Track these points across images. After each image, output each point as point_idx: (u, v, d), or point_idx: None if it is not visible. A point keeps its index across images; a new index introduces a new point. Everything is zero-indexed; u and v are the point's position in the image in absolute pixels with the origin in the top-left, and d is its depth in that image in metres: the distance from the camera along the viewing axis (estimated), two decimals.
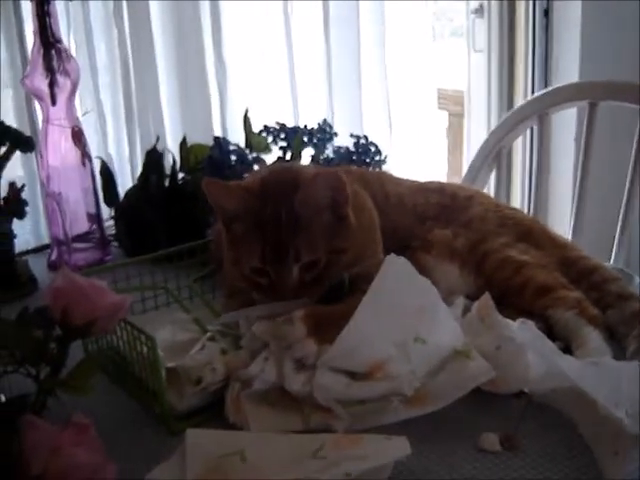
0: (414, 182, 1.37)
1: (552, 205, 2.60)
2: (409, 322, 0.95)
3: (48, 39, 1.44)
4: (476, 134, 2.85)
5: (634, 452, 0.82)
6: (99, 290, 0.92)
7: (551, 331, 1.10)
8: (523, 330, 0.99)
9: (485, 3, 2.80)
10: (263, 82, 2.12)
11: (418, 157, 2.53)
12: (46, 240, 1.64)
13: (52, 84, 1.46)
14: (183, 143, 1.61)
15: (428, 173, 2.58)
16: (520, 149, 2.75)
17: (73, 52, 1.78)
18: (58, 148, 1.51)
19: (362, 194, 1.18)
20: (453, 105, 3.70)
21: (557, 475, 0.85)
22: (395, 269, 0.96)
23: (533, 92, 2.67)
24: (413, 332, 0.95)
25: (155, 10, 1.96)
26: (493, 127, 1.97)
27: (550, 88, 2.00)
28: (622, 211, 1.73)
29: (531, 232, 1.27)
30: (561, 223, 2.08)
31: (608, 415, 0.83)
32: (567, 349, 1.06)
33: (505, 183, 2.73)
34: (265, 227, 1.02)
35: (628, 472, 0.82)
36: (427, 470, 0.86)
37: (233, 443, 0.85)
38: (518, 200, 2.77)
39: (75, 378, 0.90)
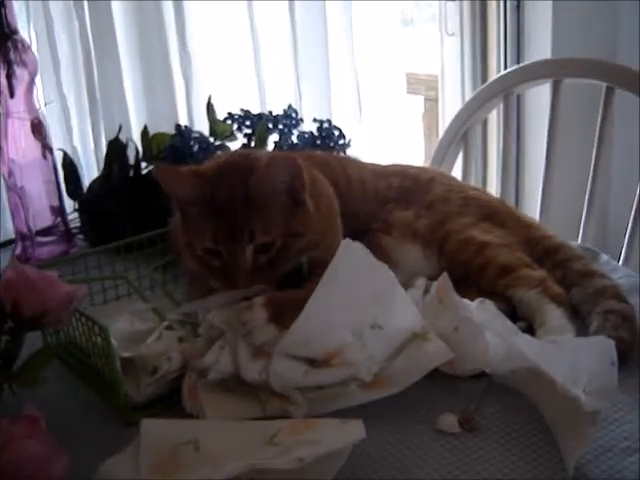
0: (377, 166, 1.36)
1: (527, 184, 2.62)
2: (365, 308, 0.95)
3: (4, 30, 1.42)
4: (450, 118, 2.84)
5: (592, 430, 0.81)
6: (50, 281, 0.92)
7: (514, 311, 1.10)
8: (481, 310, 0.99)
9: None
10: (228, 69, 2.10)
11: (390, 142, 2.51)
12: (11, 235, 1.62)
13: (9, 76, 1.43)
14: (144, 132, 1.59)
15: (401, 158, 2.57)
16: (495, 128, 2.74)
17: (34, 44, 1.76)
18: (18, 141, 1.48)
19: (322, 180, 1.17)
20: (427, 90, 3.69)
21: (516, 456, 0.84)
22: (350, 254, 0.95)
23: None
24: (370, 318, 0.94)
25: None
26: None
27: (515, 66, 1.99)
28: (588, 189, 1.72)
29: (495, 212, 1.26)
30: (535, 202, 2.08)
31: (566, 394, 0.83)
32: (530, 328, 1.06)
33: (481, 163, 2.75)
34: (219, 209, 1.00)
35: (586, 450, 0.81)
36: (385, 453, 0.86)
37: (187, 432, 0.84)
38: (494, 180, 2.77)
39: (27, 371, 0.90)
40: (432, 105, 3.67)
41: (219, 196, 1.01)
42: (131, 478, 0.80)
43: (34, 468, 0.76)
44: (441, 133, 3.00)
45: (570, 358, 0.86)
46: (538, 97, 2.45)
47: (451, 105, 2.89)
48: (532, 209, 1.89)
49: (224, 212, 1.00)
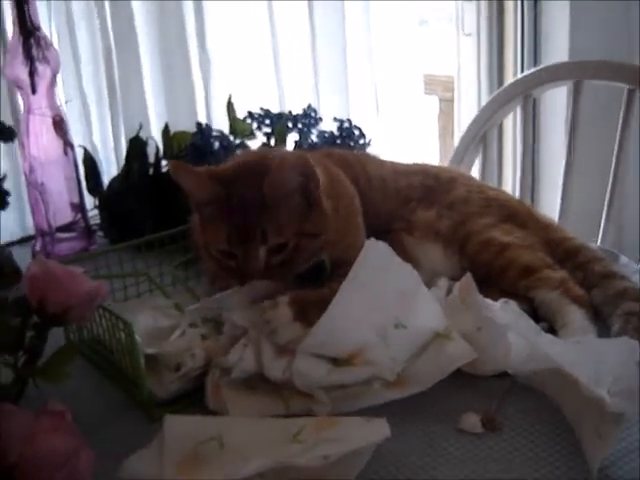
0: (397, 164, 1.36)
1: (543, 186, 2.61)
2: (389, 307, 0.95)
3: (27, 27, 1.43)
4: (467, 119, 2.83)
5: (616, 431, 0.81)
6: (75, 277, 0.92)
7: (536, 312, 1.10)
8: (505, 310, 0.98)
9: None
10: (248, 68, 2.10)
11: (407, 142, 2.51)
12: (31, 231, 1.63)
13: (32, 73, 1.45)
14: (165, 130, 1.60)
15: (418, 158, 2.56)
16: (511, 130, 2.73)
17: (55, 41, 1.77)
18: (40, 138, 1.49)
19: (342, 179, 1.18)
20: (443, 91, 3.68)
21: (539, 456, 0.84)
22: (375, 253, 0.95)
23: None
24: (393, 318, 0.94)
25: None
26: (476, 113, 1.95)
27: (534, 69, 1.99)
28: (609, 190, 1.72)
29: (515, 213, 1.26)
30: (552, 203, 2.07)
31: (590, 395, 0.82)
32: (552, 330, 1.06)
33: (496, 165, 2.74)
34: (232, 210, 1.01)
35: (610, 452, 0.81)
36: (408, 451, 0.86)
37: (211, 429, 0.85)
38: (510, 181, 2.76)
39: (51, 366, 0.90)
40: (447, 106, 3.66)
41: (232, 197, 1.02)
42: (155, 474, 0.80)
43: (59, 461, 0.76)
44: (456, 134, 3.02)
45: (594, 359, 0.86)
46: (554, 100, 2.44)
47: (467, 106, 2.88)
48: (548, 211, 1.88)
49: (237, 213, 1.01)
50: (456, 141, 2.92)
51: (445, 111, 3.78)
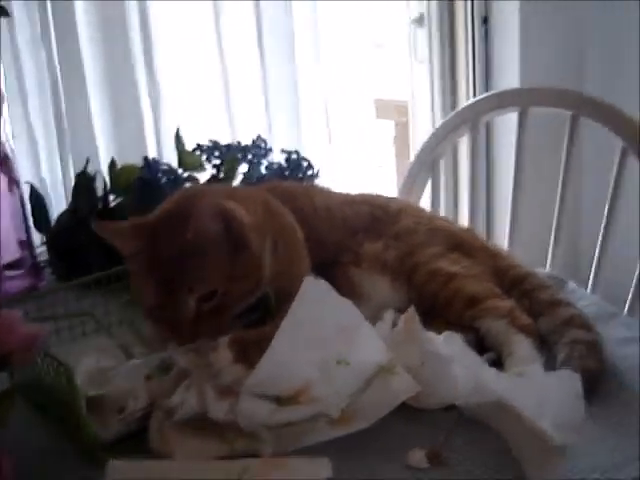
0: (344, 194, 1.35)
1: (498, 212, 2.63)
2: (331, 344, 0.94)
3: None
4: (420, 143, 2.85)
5: (560, 463, 0.82)
6: (12, 322, 0.90)
7: (482, 342, 1.10)
8: (449, 343, 0.99)
9: (425, 13, 2.80)
10: (197, 99, 2.10)
11: (361, 168, 2.52)
12: None
13: None
14: (112, 165, 1.58)
15: (372, 183, 2.57)
16: (466, 155, 2.75)
17: (2, 77, 1.75)
18: None
19: (282, 212, 1.17)
20: (398, 115, 3.70)
21: None
22: (313, 290, 0.95)
23: None
24: (335, 354, 0.94)
25: (83, 28, 1.93)
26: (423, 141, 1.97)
27: (481, 96, 2.02)
28: (555, 215, 1.74)
29: (462, 242, 1.26)
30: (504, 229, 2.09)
31: (533, 427, 0.83)
32: (499, 360, 1.06)
33: (452, 190, 2.75)
34: (157, 262, 1.00)
35: None
36: None
37: (155, 474, 0.84)
38: (466, 207, 2.77)
39: None
40: (403, 129, 3.68)
41: (157, 249, 1.01)
42: None
43: None
44: (412, 158, 3.04)
45: (537, 392, 0.87)
46: (506, 124, 2.46)
47: (422, 130, 2.90)
48: (502, 237, 1.90)
49: (163, 265, 1.00)
50: None
51: (400, 135, 3.80)
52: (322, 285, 0.95)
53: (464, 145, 2.60)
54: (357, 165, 2.52)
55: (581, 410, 0.83)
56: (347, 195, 1.36)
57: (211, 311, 1.01)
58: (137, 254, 1.04)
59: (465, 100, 2.76)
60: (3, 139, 1.49)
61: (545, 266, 1.69)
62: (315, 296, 0.94)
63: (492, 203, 2.69)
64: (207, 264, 1.00)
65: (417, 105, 2.93)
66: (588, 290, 1.60)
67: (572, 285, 1.33)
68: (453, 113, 1.95)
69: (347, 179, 2.33)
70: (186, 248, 1.00)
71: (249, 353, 0.95)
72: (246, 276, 1.03)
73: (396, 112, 3.66)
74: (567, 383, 0.85)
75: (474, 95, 2.74)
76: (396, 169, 3.63)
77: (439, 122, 2.79)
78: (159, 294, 1.00)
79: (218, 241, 1.01)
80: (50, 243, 1.59)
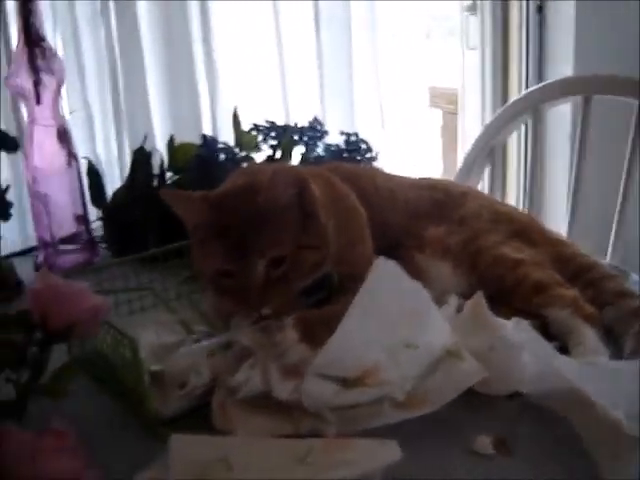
0: (405, 177, 1.34)
1: (547, 202, 2.59)
2: (400, 327, 0.92)
3: (32, 37, 1.42)
4: (470, 132, 2.83)
5: (634, 455, 0.79)
6: (79, 292, 0.90)
7: (546, 330, 1.08)
8: (518, 330, 0.96)
9: (479, 2, 2.77)
10: (253, 80, 2.10)
11: (412, 155, 2.51)
12: (33, 242, 1.61)
13: (37, 83, 1.43)
14: (170, 142, 1.58)
15: (422, 171, 2.55)
16: (515, 145, 2.72)
17: (60, 52, 1.75)
18: (44, 149, 1.48)
19: (347, 193, 1.16)
20: (446, 103, 3.67)
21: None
22: (384, 272, 0.93)
23: (527, 89, 2.64)
24: (404, 337, 0.92)
25: (143, 9, 1.93)
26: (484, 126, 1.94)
27: (544, 83, 1.97)
28: (618, 207, 1.70)
29: (526, 229, 1.24)
30: (556, 220, 2.05)
31: (607, 417, 0.81)
32: (563, 349, 1.03)
33: (500, 179, 2.72)
34: (228, 228, 0.99)
35: (629, 475, 0.79)
36: (418, 473, 0.83)
37: (218, 450, 0.82)
38: (513, 197, 2.75)
39: (54, 382, 0.88)
40: (451, 119, 3.65)
41: (227, 218, 1.00)
42: None
43: None
44: (459, 147, 3.01)
45: (610, 381, 0.84)
46: (558, 115, 2.43)
47: (471, 119, 2.88)
48: (553, 228, 1.87)
49: (233, 231, 0.99)
50: (459, 154, 2.93)
51: (449, 124, 3.77)
52: (393, 266, 0.93)
53: (512, 136, 2.58)
54: (408, 152, 2.50)
55: None
56: (409, 178, 1.34)
57: (279, 278, 1.00)
58: (205, 224, 1.02)
59: (516, 89, 2.74)
60: (62, 114, 1.49)
61: (605, 258, 1.65)
62: (386, 277, 0.92)
63: (541, 194, 2.66)
64: (279, 229, 1.00)
65: (467, 94, 2.91)
66: None
67: (635, 277, 1.30)
68: (514, 99, 1.92)
69: (398, 165, 2.31)
70: (259, 212, 0.99)
71: (315, 333, 0.94)
72: (315, 246, 1.03)
73: (445, 100, 3.64)
74: None
75: (526, 84, 2.71)
76: (443, 159, 3.61)
77: (489, 111, 2.78)
78: (227, 260, 0.99)
79: (291, 208, 1.01)
80: (106, 219, 1.59)
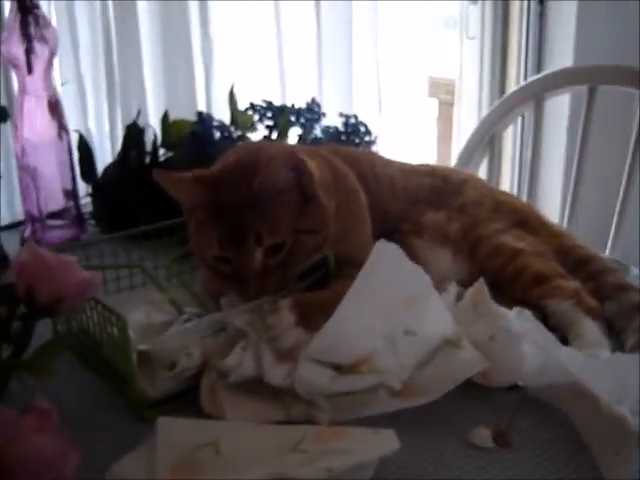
0: (404, 164, 1.31)
1: (541, 194, 2.57)
2: (399, 313, 0.89)
3: (25, 4, 1.38)
4: (466, 123, 2.80)
5: (636, 451, 0.77)
6: (67, 266, 0.86)
7: (547, 321, 1.05)
8: (520, 320, 0.94)
9: None
10: (251, 59, 2.06)
11: (407, 143, 2.48)
12: (21, 216, 1.57)
13: (29, 52, 1.39)
14: (165, 118, 1.55)
15: (417, 159, 2.52)
16: (510, 136, 2.70)
17: (54, 22, 1.72)
18: (34, 120, 1.44)
19: (346, 174, 1.13)
20: (444, 94, 3.65)
21: (554, 475, 0.79)
22: (385, 255, 0.90)
23: (525, 80, 2.62)
24: (403, 325, 0.89)
25: None
26: (484, 115, 1.91)
27: (546, 72, 1.94)
28: (619, 201, 1.68)
29: (527, 219, 1.22)
30: (552, 212, 2.03)
31: (610, 412, 0.78)
32: (564, 341, 1.01)
33: (496, 170, 2.70)
34: (223, 213, 0.96)
35: (630, 472, 0.77)
36: (414, 465, 0.81)
37: (207, 433, 0.80)
38: (507, 186, 2.73)
39: (38, 360, 0.85)
40: (447, 109, 3.63)
41: (223, 200, 0.96)
42: (145, 478, 0.75)
43: (44, 463, 0.71)
44: (455, 138, 2.98)
45: (617, 374, 0.81)
46: (556, 106, 2.41)
47: (467, 110, 2.85)
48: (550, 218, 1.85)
49: (229, 216, 0.96)
50: (454, 145, 2.91)
51: (444, 114, 3.74)
52: (394, 249, 0.90)
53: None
54: (405, 140, 2.48)
55: None
56: (408, 164, 1.32)
57: (278, 265, 0.97)
58: (200, 206, 0.99)
59: (515, 80, 2.71)
60: (54, 85, 1.46)
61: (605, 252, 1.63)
62: (386, 261, 0.89)
63: (537, 185, 2.64)
64: (276, 215, 0.96)
65: (464, 84, 2.88)
66: None
67: (635, 271, 1.27)
68: (517, 88, 1.89)
69: (395, 154, 2.28)
70: (256, 197, 0.95)
71: (312, 317, 0.91)
72: (314, 230, 0.99)
73: (443, 90, 3.61)
74: None
75: (525, 76, 2.69)
76: (437, 149, 3.59)
77: (486, 102, 2.76)
78: (225, 246, 0.96)
79: (288, 191, 0.98)
80: (95, 194, 1.56)
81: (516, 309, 0.97)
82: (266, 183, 0.96)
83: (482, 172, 1.88)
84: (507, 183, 2.76)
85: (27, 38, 1.38)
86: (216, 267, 0.99)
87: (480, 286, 0.97)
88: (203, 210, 0.99)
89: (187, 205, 1.02)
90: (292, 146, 1.12)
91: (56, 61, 1.49)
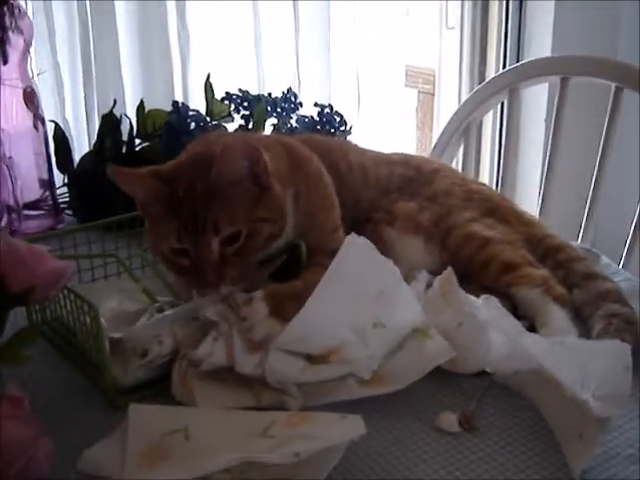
0: (378, 153, 1.32)
1: (520, 183, 2.59)
2: (368, 306, 0.91)
3: None
4: (446, 113, 2.81)
5: (599, 436, 0.78)
6: (39, 256, 0.87)
7: (516, 309, 1.07)
8: (487, 307, 0.95)
9: None
10: (228, 48, 2.05)
11: (386, 133, 2.48)
12: None
13: (3, 42, 1.39)
14: (140, 108, 1.55)
15: (396, 149, 2.52)
16: (490, 124, 2.71)
17: (30, 12, 1.71)
18: (9, 110, 1.44)
19: (312, 160, 1.14)
20: (423, 83, 3.65)
21: (518, 458, 0.81)
22: (355, 250, 0.91)
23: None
24: (372, 316, 0.91)
25: None
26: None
27: (520, 63, 1.96)
28: (591, 190, 1.70)
29: (497, 208, 1.23)
30: (529, 201, 2.05)
31: (574, 397, 0.79)
32: (532, 328, 1.03)
33: (474, 158, 2.72)
34: (180, 205, 0.96)
35: (591, 455, 0.79)
36: (382, 450, 0.82)
37: (177, 420, 0.81)
38: (487, 176, 2.74)
39: (11, 348, 0.85)
40: (427, 99, 3.64)
41: (179, 193, 0.97)
42: (117, 466, 0.76)
43: (16, 451, 0.72)
44: (435, 128, 3.00)
45: (580, 361, 0.83)
46: (533, 97, 2.42)
47: (447, 100, 2.86)
48: (525, 208, 1.87)
49: (186, 208, 0.96)
50: (434, 134, 2.91)
51: (424, 104, 3.75)
52: (364, 244, 0.92)
53: (488, 116, 2.57)
54: (382, 131, 2.48)
55: (628, 383, 0.79)
56: (381, 154, 1.33)
57: (235, 255, 0.97)
58: (156, 201, 0.99)
59: (494, 70, 2.72)
60: (30, 75, 1.46)
61: (575, 241, 1.65)
62: (356, 254, 0.91)
63: (515, 175, 2.66)
64: (232, 204, 0.97)
65: (444, 74, 2.88)
66: (620, 266, 1.56)
67: (605, 260, 1.29)
68: (491, 77, 1.89)
69: (372, 144, 2.29)
70: (213, 188, 0.96)
71: (284, 307, 0.92)
72: (270, 218, 1.00)
73: (422, 80, 3.61)
74: (615, 353, 0.82)
75: (504, 66, 2.70)
76: (417, 138, 3.59)
77: (465, 92, 2.77)
78: (183, 237, 0.97)
79: (244, 180, 0.98)
80: (72, 184, 1.56)
81: (483, 297, 0.98)
82: (221, 173, 0.96)
83: (459, 160, 1.90)
84: (487, 172, 2.78)
85: (2, 28, 1.38)
86: (173, 261, 1.00)
87: (448, 274, 0.98)
88: (159, 205, 0.99)
89: (142, 201, 1.03)
90: (246, 135, 1.12)
91: (32, 51, 1.49)
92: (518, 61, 2.64)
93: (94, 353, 0.93)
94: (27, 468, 0.71)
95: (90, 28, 1.87)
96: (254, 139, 1.09)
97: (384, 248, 0.99)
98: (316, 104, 1.54)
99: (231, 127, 1.53)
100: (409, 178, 1.24)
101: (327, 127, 1.51)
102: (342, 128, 1.52)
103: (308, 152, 1.14)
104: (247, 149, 0.98)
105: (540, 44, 2.57)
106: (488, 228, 1.17)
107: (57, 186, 1.54)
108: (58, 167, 1.56)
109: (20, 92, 1.44)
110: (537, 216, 1.73)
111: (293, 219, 1.05)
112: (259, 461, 0.73)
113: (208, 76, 1.58)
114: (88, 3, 1.85)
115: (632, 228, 1.64)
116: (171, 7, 1.94)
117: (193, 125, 1.45)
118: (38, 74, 1.59)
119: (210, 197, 0.96)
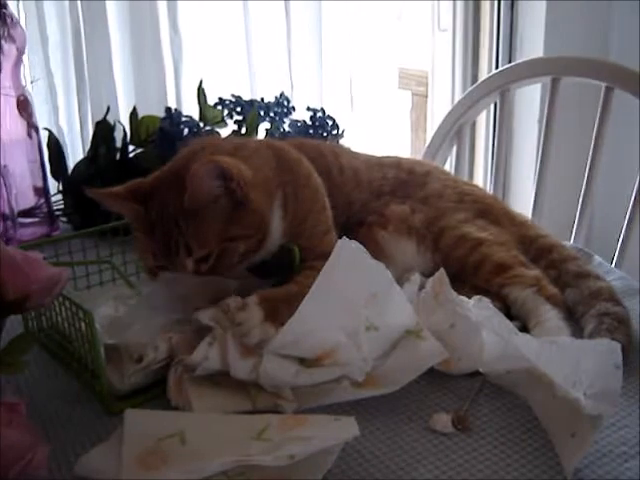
0: (370, 156, 1.33)
1: (514, 183, 2.60)
2: (361, 309, 0.92)
3: None
4: (439, 114, 2.82)
5: (591, 434, 0.79)
6: (34, 263, 0.87)
7: (508, 310, 1.08)
8: (479, 308, 0.96)
9: None
10: (220, 54, 2.06)
11: (379, 135, 2.49)
12: None
13: None
14: (133, 114, 1.55)
15: (389, 152, 2.53)
16: (483, 125, 2.72)
17: (22, 21, 1.72)
18: (3, 118, 1.44)
19: (300, 162, 1.14)
20: (416, 85, 3.66)
21: (511, 458, 0.82)
22: (346, 254, 0.92)
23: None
24: (365, 320, 0.92)
25: None
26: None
27: (513, 63, 1.97)
28: (583, 189, 1.70)
29: (490, 209, 1.24)
30: (522, 201, 2.06)
31: (566, 396, 0.80)
32: (525, 328, 1.04)
33: (467, 160, 2.72)
34: (154, 226, 0.98)
35: (583, 454, 0.79)
36: (376, 451, 0.83)
37: (173, 424, 0.81)
38: (480, 177, 2.75)
39: (8, 355, 0.86)
40: (420, 101, 3.64)
41: (155, 212, 0.99)
42: (113, 471, 0.77)
43: (13, 456, 0.73)
44: (429, 129, 3.00)
45: (571, 359, 0.84)
46: (526, 97, 2.43)
47: (440, 101, 2.87)
48: (519, 209, 1.87)
49: (159, 229, 0.98)
50: (428, 136, 2.92)
51: (418, 106, 3.76)
52: (356, 248, 0.92)
53: (482, 117, 2.58)
54: (376, 133, 2.49)
55: (619, 381, 0.80)
56: (373, 157, 1.33)
57: (210, 272, 0.99)
58: (133, 219, 1.02)
59: (486, 72, 2.73)
60: (23, 83, 1.46)
61: (568, 241, 1.66)
62: (348, 258, 0.91)
63: (509, 176, 2.67)
64: (204, 226, 0.98)
65: (437, 75, 2.89)
66: (612, 265, 1.57)
67: (598, 259, 1.30)
68: (483, 79, 1.90)
69: (366, 147, 2.29)
70: (183, 210, 0.97)
71: (279, 311, 0.92)
72: (244, 235, 1.00)
73: (415, 82, 3.62)
74: (606, 352, 0.82)
75: (496, 66, 2.71)
76: (411, 140, 3.60)
77: (459, 93, 2.78)
78: (159, 256, 0.99)
79: (215, 201, 0.98)
80: (66, 192, 1.56)
81: (475, 297, 0.99)
82: (193, 196, 0.96)
83: (452, 161, 1.90)
84: (480, 173, 2.79)
85: None
86: (157, 273, 1.02)
87: (440, 276, 0.99)
88: (137, 223, 1.02)
89: (127, 217, 1.06)
90: (233, 145, 1.11)
91: (25, 59, 1.49)
92: (510, 62, 2.65)
93: (90, 359, 0.93)
94: (24, 473, 0.71)
95: (82, 36, 1.88)
96: (242, 144, 1.09)
97: (377, 251, 1.00)
98: (309, 108, 1.54)
99: (224, 132, 1.53)
100: (401, 181, 1.25)
101: (320, 131, 1.52)
102: (334, 132, 1.53)
103: (297, 154, 1.14)
104: (217, 168, 0.97)
105: (532, 45, 2.58)
106: (480, 229, 1.18)
107: (52, 193, 1.54)
108: (52, 174, 1.56)
109: (14, 100, 1.44)
110: (530, 216, 1.74)
111: (282, 224, 1.05)
112: (255, 464, 0.74)
113: (201, 82, 1.59)
114: (80, 11, 1.86)
115: (624, 227, 1.64)
116: (163, 14, 1.95)
117: (186, 131, 1.45)
118: (31, 82, 1.59)
119: (183, 219, 0.97)
